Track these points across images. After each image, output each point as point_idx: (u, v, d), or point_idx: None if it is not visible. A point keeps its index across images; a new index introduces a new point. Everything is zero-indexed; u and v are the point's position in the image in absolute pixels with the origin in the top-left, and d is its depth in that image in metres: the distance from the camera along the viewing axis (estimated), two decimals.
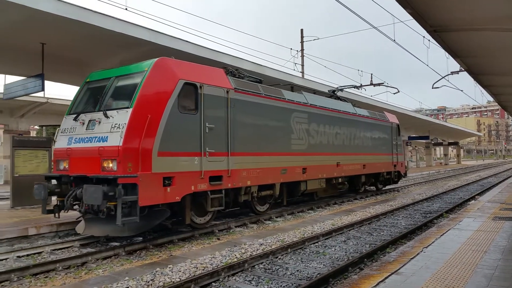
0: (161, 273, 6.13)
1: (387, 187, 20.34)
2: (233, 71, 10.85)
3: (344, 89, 18.78)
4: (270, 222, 11.29)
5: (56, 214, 8.32)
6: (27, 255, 7.58)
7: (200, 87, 8.92)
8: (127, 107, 7.71)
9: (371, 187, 19.13)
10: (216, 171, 9.16)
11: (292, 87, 13.92)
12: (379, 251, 7.74)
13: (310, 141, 12.92)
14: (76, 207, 8.05)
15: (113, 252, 7.64)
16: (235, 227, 10.33)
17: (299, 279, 6.07)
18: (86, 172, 7.82)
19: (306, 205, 13.85)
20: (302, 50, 27.99)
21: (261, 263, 6.88)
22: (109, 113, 7.88)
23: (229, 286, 5.77)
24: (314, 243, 8.44)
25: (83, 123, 8.25)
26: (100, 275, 6.36)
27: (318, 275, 6.11)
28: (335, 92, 17.45)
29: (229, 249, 7.68)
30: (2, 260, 7.17)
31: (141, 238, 8.75)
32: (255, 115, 10.60)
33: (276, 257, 7.26)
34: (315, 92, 15.09)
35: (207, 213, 9.42)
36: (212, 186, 9.03)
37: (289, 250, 7.68)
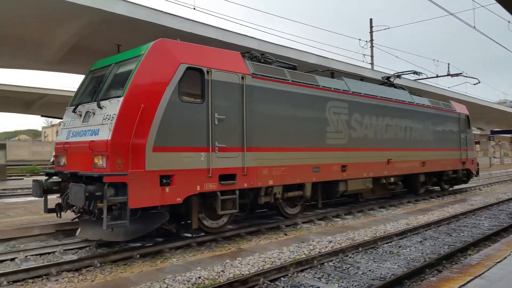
0: (231, 265, 6.29)
1: (456, 187, 18.21)
2: (257, 56, 9.77)
3: (403, 76, 16.66)
4: (339, 219, 11.09)
5: (58, 214, 7.67)
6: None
7: (208, 72, 7.86)
8: (119, 96, 6.90)
9: (435, 187, 17.17)
10: (228, 169, 8.06)
11: (333, 73, 12.22)
12: (459, 253, 7.26)
13: (351, 134, 11.30)
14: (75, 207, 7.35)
15: (185, 243, 7.99)
16: (302, 223, 10.29)
17: (372, 279, 5.89)
18: (80, 168, 7.16)
19: (377, 203, 13.39)
20: (371, 40, 27.06)
21: (331, 260, 6.78)
22: (102, 103, 7.10)
23: (298, 282, 5.76)
24: (387, 242, 8.14)
25: (80, 115, 7.57)
26: (174, 264, 6.69)
27: (392, 276, 5.89)
28: (390, 79, 15.51)
29: (296, 245, 7.67)
30: (85, 247, 7.81)
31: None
32: (279, 104, 9.28)
33: (346, 255, 7.11)
34: (362, 78, 13.45)
35: (221, 216, 8.46)
36: (223, 186, 7.94)
37: (360, 249, 7.48)
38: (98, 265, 6.66)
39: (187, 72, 7.58)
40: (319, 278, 5.95)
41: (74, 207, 7.26)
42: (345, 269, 6.36)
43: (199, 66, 7.80)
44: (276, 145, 9.16)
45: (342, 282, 5.75)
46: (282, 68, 9.86)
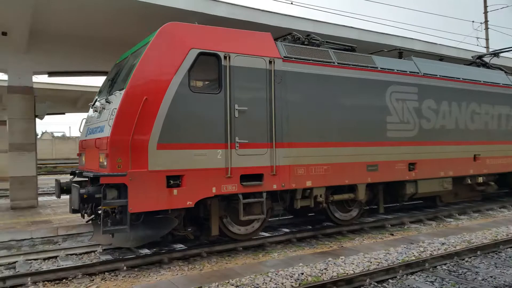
0: (334, 263, 6.16)
1: None
2: (299, 37, 8.65)
3: (502, 54, 13.44)
4: (451, 219, 10.21)
5: (84, 215, 7.06)
6: None
7: (225, 57, 6.94)
8: (122, 89, 6.36)
9: None
10: (252, 168, 7.09)
11: (401, 53, 10.44)
12: None
13: (422, 125, 9.43)
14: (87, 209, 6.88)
15: (286, 238, 8.05)
16: (410, 223, 9.68)
17: (494, 286, 5.29)
18: (92, 167, 6.75)
19: (496, 203, 12.03)
20: (486, 21, 24.39)
21: (444, 264, 6.25)
22: (110, 98, 6.65)
23: (408, 285, 5.41)
24: None
25: (96, 111, 7.10)
26: (276, 258, 6.78)
27: None
28: (482, 58, 12.86)
29: (405, 246, 7.22)
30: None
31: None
32: (319, 91, 7.98)
33: (462, 259, 6.49)
34: (442, 59, 11.32)
35: (251, 221, 7.58)
36: (246, 188, 7.01)
37: (478, 253, 6.77)
38: (205, 255, 7.05)
39: (200, 58, 6.77)
40: (431, 282, 5.52)
41: (87, 209, 6.76)
42: (461, 274, 5.81)
43: (215, 51, 6.90)
44: (316, 139, 7.89)
45: (459, 287, 5.26)
46: (327, 49, 8.52)
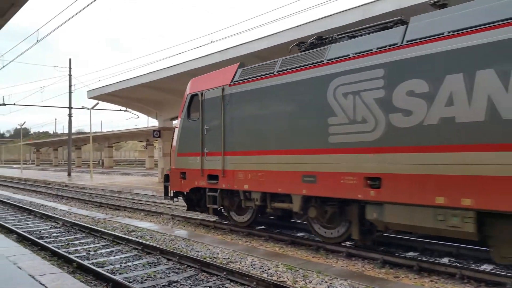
0: None
1: None
2: (312, 42, 8.46)
3: None
4: None
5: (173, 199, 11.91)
6: None
7: (202, 94, 10.35)
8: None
9: None
10: (213, 170, 9.91)
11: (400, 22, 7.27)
12: None
13: (393, 123, 6.50)
14: None
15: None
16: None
17: None
18: None
19: None
20: None
21: None
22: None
23: None
24: None
25: None
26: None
27: None
28: None
29: None
30: None
31: None
32: (256, 104, 8.73)
33: None
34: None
35: (246, 211, 9.83)
36: (210, 185, 10.05)
37: None
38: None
39: (192, 98, 10.73)
40: None
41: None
42: None
43: (196, 92, 10.60)
44: (253, 148, 8.77)
45: None
46: (277, 60, 8.65)
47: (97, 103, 31.57)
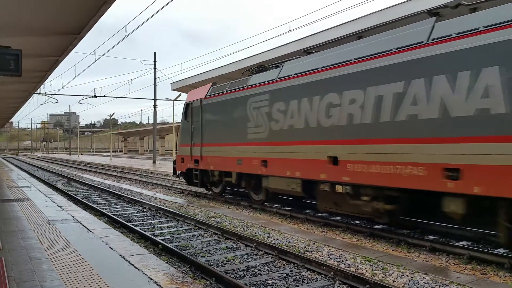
0: None
1: None
2: (257, 68, 12.82)
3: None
4: None
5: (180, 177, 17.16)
6: None
7: (191, 103, 15.20)
8: None
9: None
10: (196, 156, 14.64)
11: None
12: None
13: (272, 127, 10.90)
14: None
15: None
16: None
17: None
18: None
19: None
20: None
21: None
22: None
23: None
24: None
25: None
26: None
27: None
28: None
29: None
30: None
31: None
32: (217, 111, 13.63)
33: None
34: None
35: (217, 186, 14.47)
36: (195, 166, 14.76)
37: None
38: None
39: (187, 105, 15.53)
40: None
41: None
42: None
43: (188, 102, 15.56)
44: (215, 141, 13.54)
45: None
46: (226, 84, 13.54)
47: (179, 95, 33.19)
